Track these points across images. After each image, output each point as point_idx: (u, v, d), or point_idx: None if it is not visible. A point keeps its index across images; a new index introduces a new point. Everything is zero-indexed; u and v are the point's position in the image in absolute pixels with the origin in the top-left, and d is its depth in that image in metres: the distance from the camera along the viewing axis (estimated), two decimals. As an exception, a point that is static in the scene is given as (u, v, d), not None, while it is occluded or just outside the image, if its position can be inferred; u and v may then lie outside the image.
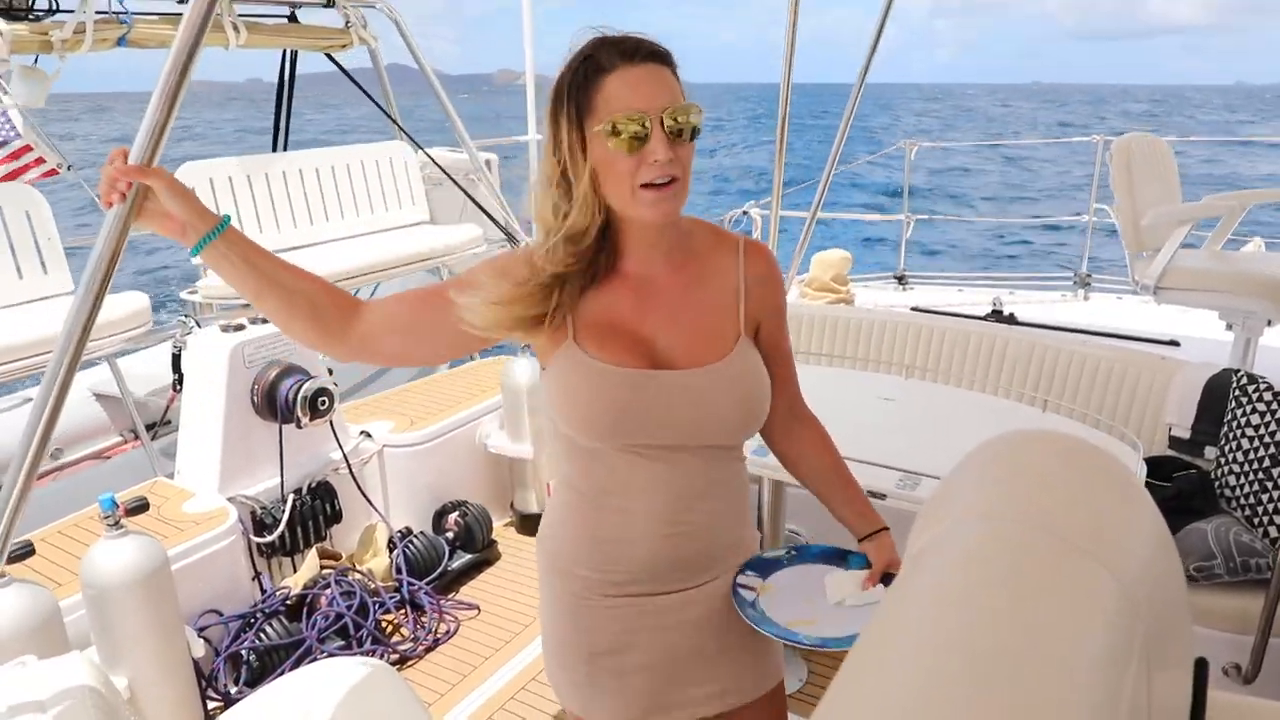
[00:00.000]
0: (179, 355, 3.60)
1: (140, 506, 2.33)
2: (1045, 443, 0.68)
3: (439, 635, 2.95)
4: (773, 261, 1.46)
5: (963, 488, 0.65)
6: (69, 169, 3.82)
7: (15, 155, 3.57)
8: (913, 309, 5.25)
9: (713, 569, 1.42)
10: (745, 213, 5.62)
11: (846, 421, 2.47)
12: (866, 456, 2.11)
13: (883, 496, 2.05)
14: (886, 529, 1.50)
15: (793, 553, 1.58)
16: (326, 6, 4.29)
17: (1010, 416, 2.55)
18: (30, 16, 3.26)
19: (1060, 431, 0.71)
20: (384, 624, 2.96)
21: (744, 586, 1.47)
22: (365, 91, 4.62)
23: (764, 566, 1.52)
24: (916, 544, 0.64)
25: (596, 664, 1.42)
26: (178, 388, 3.62)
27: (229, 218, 1.36)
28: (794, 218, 5.10)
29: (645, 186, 1.23)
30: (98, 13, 3.31)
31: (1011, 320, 4.93)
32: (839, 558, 1.58)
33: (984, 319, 4.79)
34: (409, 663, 2.83)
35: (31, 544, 2.20)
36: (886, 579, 1.47)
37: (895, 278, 6.37)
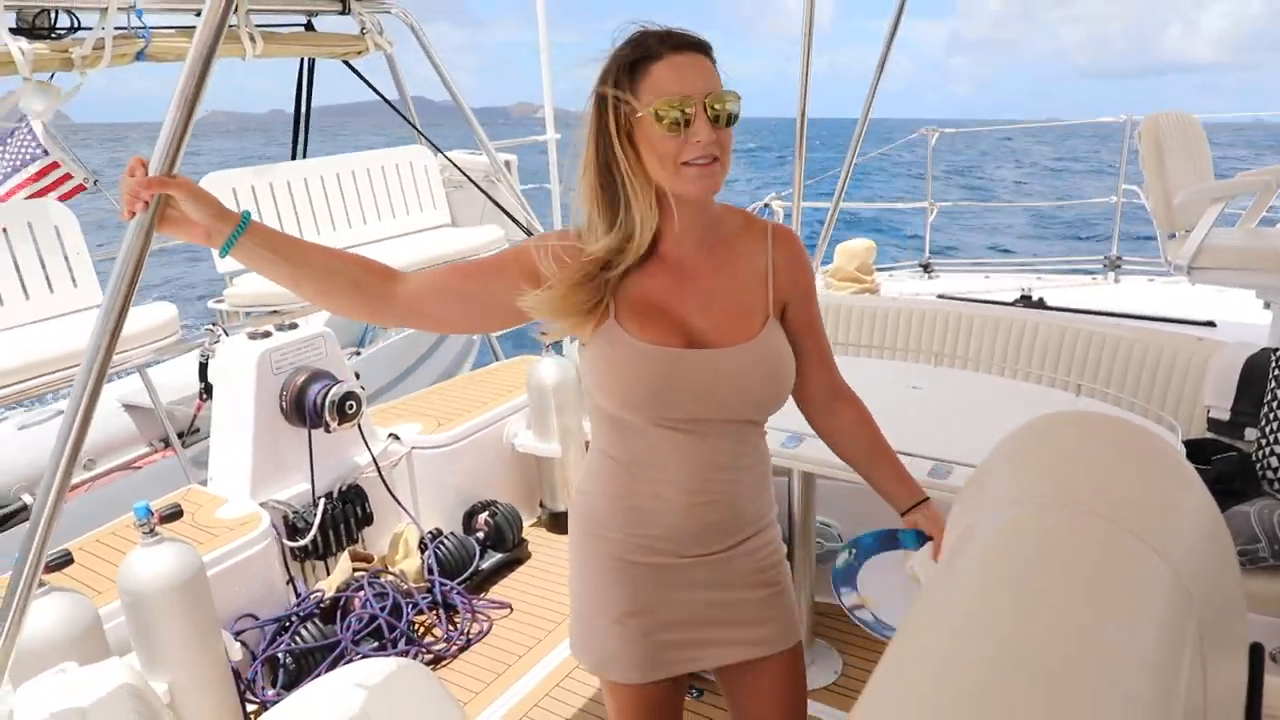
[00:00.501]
0: (206, 364, 3.63)
1: (174, 514, 2.35)
2: (1084, 424, 0.66)
3: (472, 635, 2.95)
4: (799, 246, 1.51)
5: (999, 473, 0.63)
6: (95, 184, 3.87)
7: (43, 173, 3.61)
8: (939, 296, 5.19)
9: (734, 536, 1.49)
10: (767, 205, 5.58)
11: (875, 410, 2.45)
12: (897, 445, 2.07)
13: (915, 486, 2.02)
14: (929, 499, 1.58)
15: (853, 552, 1.63)
16: (342, 13, 4.30)
17: (1042, 402, 2.51)
18: (52, 35, 3.29)
19: (1100, 412, 0.68)
20: (417, 625, 2.97)
21: (856, 607, 1.54)
22: (383, 96, 4.63)
23: (848, 578, 1.60)
24: (953, 533, 0.62)
25: (625, 624, 1.48)
26: (205, 396, 3.65)
27: (249, 214, 1.37)
28: (817, 208, 5.07)
29: (688, 164, 1.30)
30: (116, 28, 3.34)
31: (1041, 305, 4.86)
32: (891, 539, 1.64)
33: (1012, 305, 4.73)
34: (443, 663, 2.84)
35: (70, 553, 2.23)
36: None
37: (920, 266, 6.30)
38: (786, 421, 2.27)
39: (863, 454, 1.61)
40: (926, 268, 6.26)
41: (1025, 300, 4.97)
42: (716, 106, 1.30)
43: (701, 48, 1.33)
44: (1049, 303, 4.94)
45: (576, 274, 1.35)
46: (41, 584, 1.99)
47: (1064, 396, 2.56)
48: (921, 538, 1.59)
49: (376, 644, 2.80)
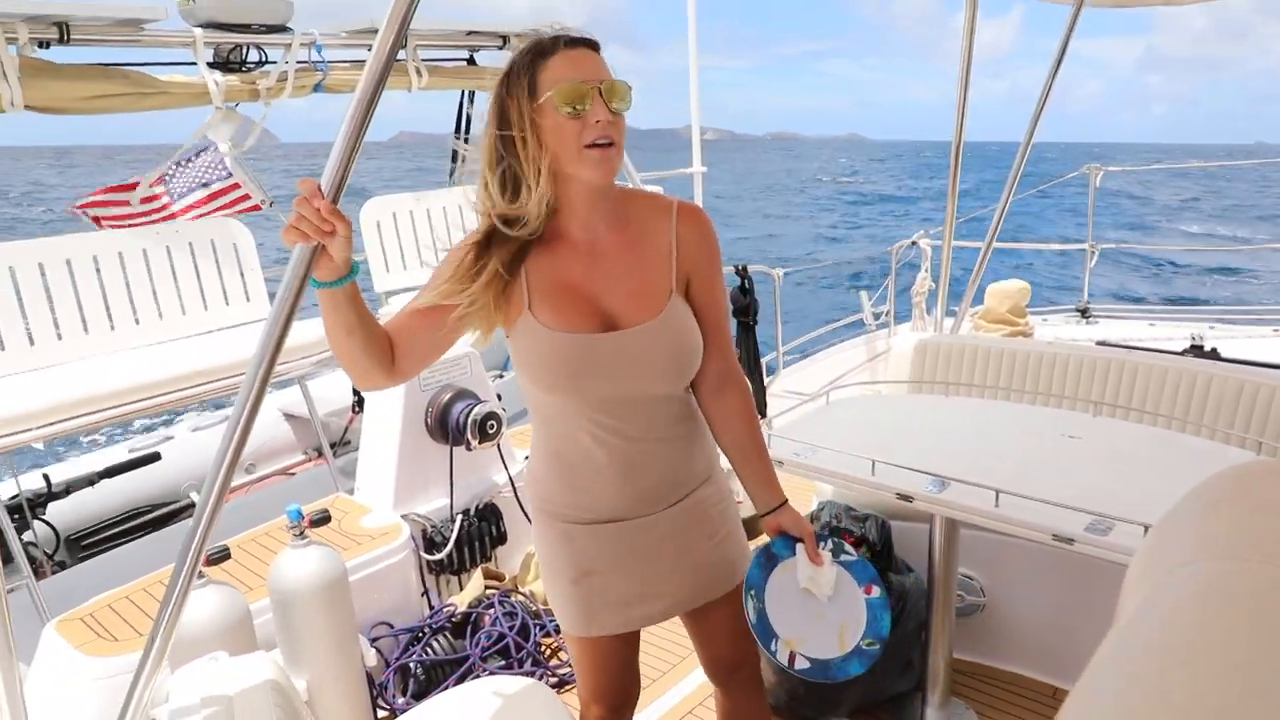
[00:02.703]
0: (361, 378, 3.80)
1: (323, 519, 2.46)
2: (1291, 475, 0.59)
3: (596, 661, 2.95)
4: (705, 222, 1.60)
5: (1190, 526, 0.56)
6: (270, 205, 4.16)
7: (224, 191, 3.92)
8: (1099, 343, 4.90)
9: (669, 498, 1.63)
10: (914, 243, 5.42)
11: (1027, 458, 2.31)
12: (1050, 496, 1.95)
13: (1070, 541, 1.89)
14: (787, 501, 1.70)
15: (753, 594, 1.68)
16: (501, 48, 4.49)
17: (1217, 458, 2.31)
18: (243, 69, 3.58)
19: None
20: (544, 646, 2.99)
21: (791, 660, 1.63)
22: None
23: (767, 627, 1.65)
24: (1135, 594, 0.56)
25: (580, 584, 1.65)
26: (357, 409, 3.83)
27: (359, 267, 1.42)
28: (968, 248, 4.88)
29: (589, 147, 1.40)
30: (298, 62, 3.60)
31: (1214, 356, 4.51)
32: (769, 558, 1.70)
33: (1181, 354, 4.40)
34: (567, 687, 2.85)
35: (228, 549, 2.37)
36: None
37: (1078, 310, 5.97)
38: (931, 464, 2.18)
39: (740, 445, 1.68)
40: (1084, 313, 5.93)
41: (1196, 350, 4.62)
42: (610, 94, 1.40)
43: (592, 45, 1.44)
44: (1223, 354, 4.57)
45: (466, 255, 1.45)
46: (201, 576, 2.12)
47: (1241, 454, 2.35)
48: (788, 543, 1.69)
49: (504, 662, 2.84)
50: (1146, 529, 1.78)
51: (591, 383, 1.49)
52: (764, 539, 1.72)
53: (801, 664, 1.62)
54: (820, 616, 1.68)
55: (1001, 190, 3.91)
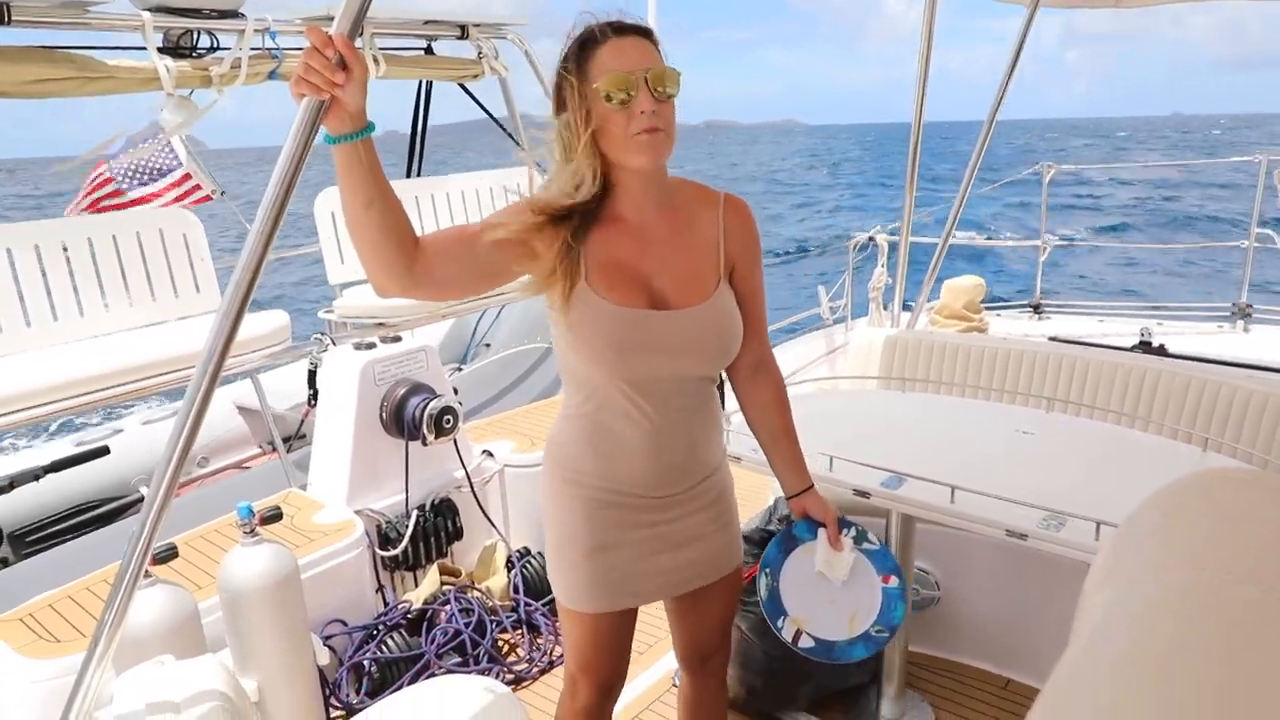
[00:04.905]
0: (314, 372, 3.75)
1: (274, 516, 2.41)
2: (1245, 482, 0.59)
3: (554, 657, 2.94)
4: (749, 215, 1.67)
5: (1152, 532, 0.56)
6: (222, 194, 4.07)
7: (177, 183, 3.82)
8: (1051, 339, 4.98)
9: (691, 478, 1.67)
10: (871, 238, 5.46)
11: (982, 453, 2.35)
12: (1004, 492, 1.98)
13: (1023, 536, 1.91)
14: (813, 485, 1.78)
15: (769, 573, 1.75)
16: (460, 39, 4.44)
17: (1167, 455, 2.35)
18: (194, 54, 3.49)
19: (1263, 470, 0.61)
20: (500, 643, 2.97)
21: (796, 637, 1.68)
22: (493, 116, 4.74)
23: (777, 604, 1.71)
24: (1095, 600, 0.56)
25: (593, 559, 1.65)
26: (312, 403, 3.76)
27: (374, 126, 1.37)
28: (925, 244, 4.93)
29: (637, 134, 1.43)
30: (252, 49, 3.51)
31: (1162, 352, 4.60)
32: (789, 539, 1.77)
33: (1131, 350, 4.49)
34: (523, 684, 2.83)
35: (175, 547, 2.31)
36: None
37: (1031, 306, 6.06)
38: (887, 459, 2.20)
39: (771, 429, 1.76)
40: (1037, 308, 6.01)
41: (1145, 346, 4.71)
42: (657, 82, 1.43)
43: (643, 32, 1.47)
44: (1170, 349, 4.67)
45: (536, 218, 1.47)
46: (148, 575, 2.07)
47: (1190, 450, 2.40)
48: (811, 526, 1.76)
49: (459, 659, 2.81)
50: (1099, 525, 1.80)
51: (639, 359, 1.53)
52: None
53: (806, 642, 1.68)
54: (833, 601, 1.73)
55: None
